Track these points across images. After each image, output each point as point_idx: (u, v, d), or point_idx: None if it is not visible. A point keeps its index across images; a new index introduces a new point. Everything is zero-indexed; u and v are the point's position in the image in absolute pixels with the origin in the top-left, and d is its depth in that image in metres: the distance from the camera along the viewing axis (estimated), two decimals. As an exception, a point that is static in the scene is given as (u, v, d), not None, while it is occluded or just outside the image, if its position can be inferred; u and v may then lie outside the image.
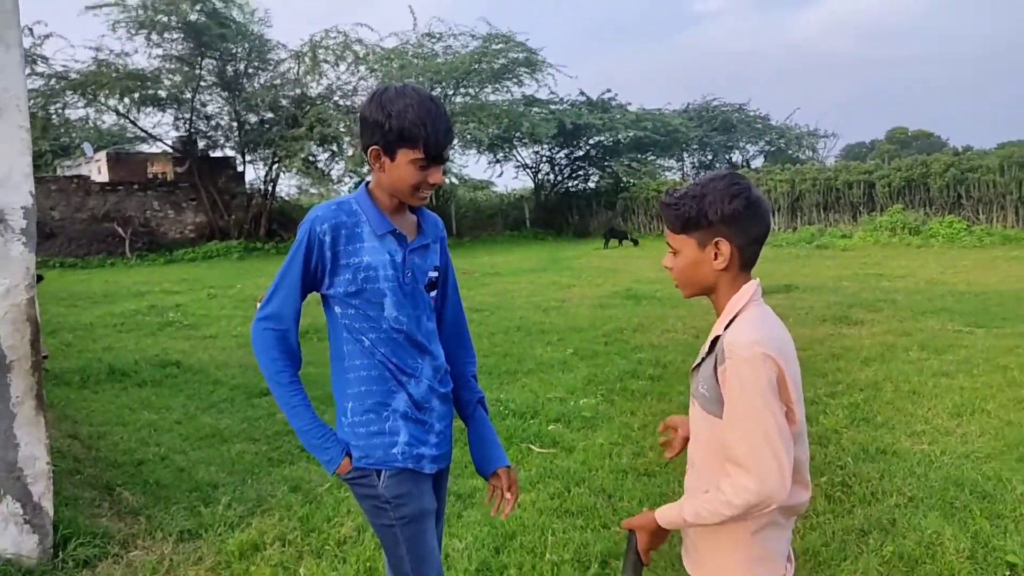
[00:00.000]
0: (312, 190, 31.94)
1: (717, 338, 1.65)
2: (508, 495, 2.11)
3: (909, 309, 9.14)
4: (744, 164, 32.72)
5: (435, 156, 1.90)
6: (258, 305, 2.02)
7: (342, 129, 22.78)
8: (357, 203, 1.98)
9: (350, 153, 23.58)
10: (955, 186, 19.22)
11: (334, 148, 24.30)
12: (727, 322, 1.64)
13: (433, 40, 25.66)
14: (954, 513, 3.56)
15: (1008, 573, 3.02)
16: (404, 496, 1.97)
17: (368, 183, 2.02)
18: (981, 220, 18.92)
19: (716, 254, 1.65)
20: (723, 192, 1.63)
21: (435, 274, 2.08)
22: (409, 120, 1.84)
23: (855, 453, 4.40)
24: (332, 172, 25.63)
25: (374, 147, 1.90)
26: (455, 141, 26.29)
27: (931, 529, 3.36)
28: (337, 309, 1.99)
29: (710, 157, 33.34)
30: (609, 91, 28.82)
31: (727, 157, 33.38)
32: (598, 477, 4.19)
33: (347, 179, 26.19)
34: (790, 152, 33.09)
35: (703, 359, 1.71)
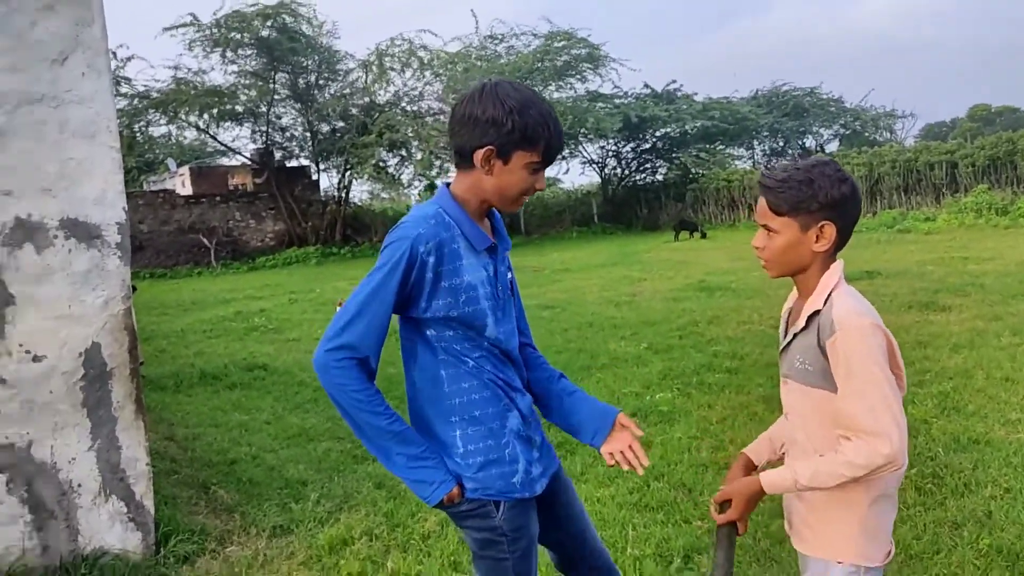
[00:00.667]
0: (384, 195, 32.64)
1: (815, 313, 1.69)
2: (635, 444, 1.99)
3: (999, 293, 8.71)
4: (819, 148, 31.74)
5: (550, 160, 1.80)
6: (329, 333, 1.75)
7: (410, 134, 23.14)
8: (448, 213, 1.79)
9: (419, 157, 23.93)
10: (1047, 161, 18.22)
11: (403, 153, 24.72)
12: (823, 298, 1.68)
13: (495, 41, 25.81)
14: (1057, 505, 3.39)
15: (1117, 567, 2.86)
16: (522, 528, 1.86)
17: (448, 185, 1.85)
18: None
19: (818, 236, 1.69)
20: (831, 178, 1.67)
21: (511, 276, 2.00)
22: (532, 119, 1.71)
23: (946, 443, 4.23)
24: (402, 176, 26.06)
25: (487, 147, 1.72)
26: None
27: (1032, 521, 3.21)
28: (430, 332, 1.81)
29: (782, 143, 32.45)
30: (674, 82, 28.41)
31: (800, 142, 32.43)
32: (677, 471, 4.15)
33: (416, 182, 26.61)
34: (866, 134, 31.95)
35: (795, 336, 1.75)
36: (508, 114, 1.69)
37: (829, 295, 1.67)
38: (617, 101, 27.22)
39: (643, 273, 14.13)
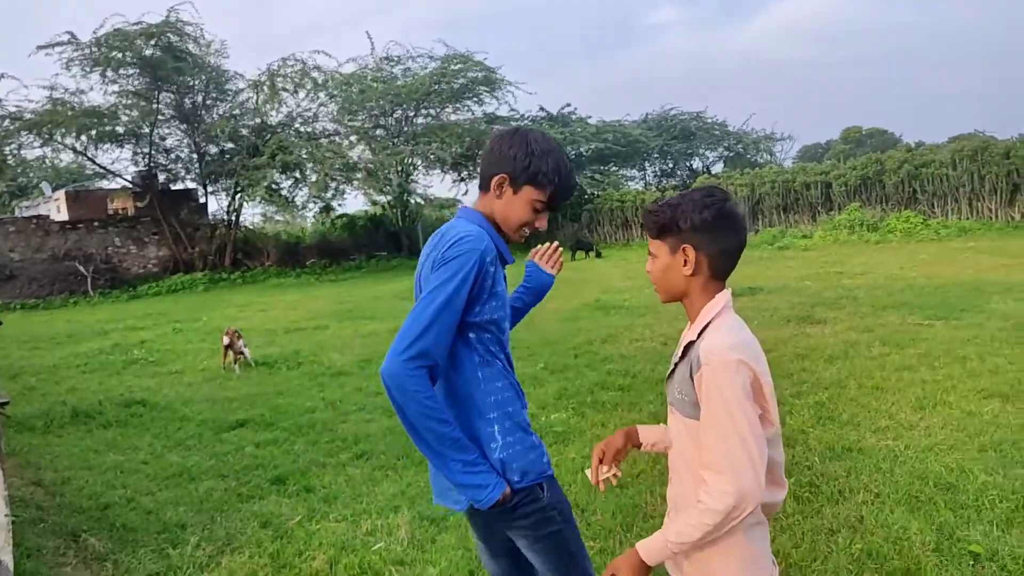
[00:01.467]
0: (278, 217, 31.76)
1: (690, 344, 1.70)
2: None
3: (870, 305, 9.29)
4: (705, 170, 33.11)
5: (553, 206, 2.03)
6: (404, 343, 1.79)
7: (304, 156, 22.69)
8: (487, 232, 1.98)
9: (313, 179, 23.48)
10: (910, 181, 19.63)
11: (296, 175, 24.18)
12: (700, 329, 1.69)
13: (392, 63, 25.73)
14: (919, 507, 3.60)
15: (972, 563, 3.06)
16: (562, 499, 2.05)
17: (470, 208, 2.06)
18: (936, 214, 19.33)
19: (685, 261, 1.71)
20: (696, 203, 1.70)
21: None
22: (548, 165, 1.96)
23: (822, 452, 4.44)
24: (296, 198, 25.48)
25: (503, 175, 1.97)
26: (421, 163, 26.38)
27: (898, 524, 3.40)
28: (472, 334, 1.92)
29: (671, 165, 33.74)
30: (568, 105, 29.17)
31: (688, 164, 33.78)
32: (571, 492, 4.17)
33: (311, 204, 26.08)
34: (748, 156, 33.61)
35: (676, 365, 1.76)
36: (529, 154, 1.94)
37: (706, 326, 1.68)
38: (514, 123, 27.59)
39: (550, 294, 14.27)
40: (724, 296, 1.71)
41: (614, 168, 32.22)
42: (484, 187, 2.02)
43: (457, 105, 26.73)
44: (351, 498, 4.36)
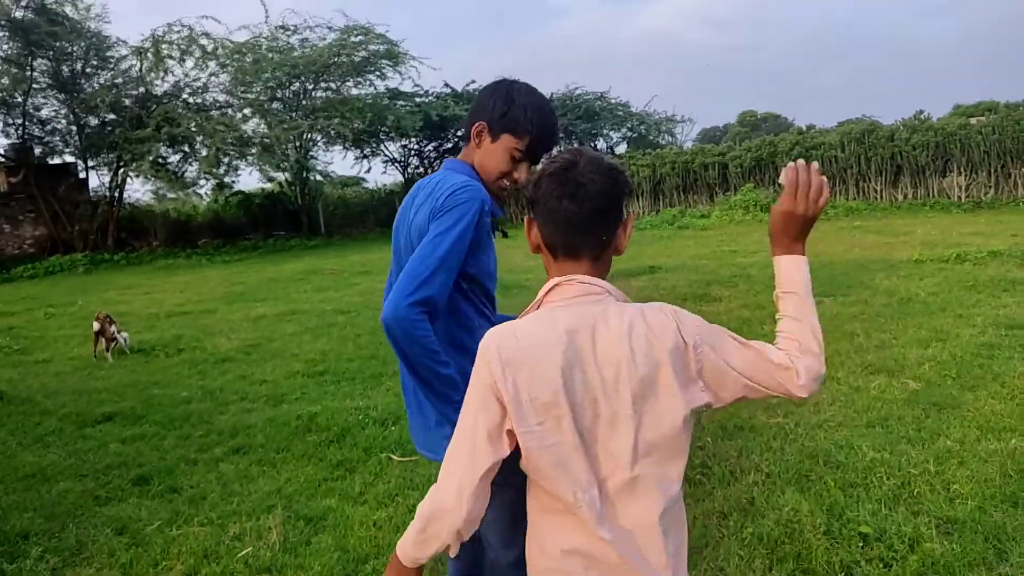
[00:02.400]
0: (171, 195, 30.12)
1: None
2: None
3: (762, 283, 9.44)
4: (609, 150, 33.44)
5: (532, 155, 2.00)
6: (408, 288, 1.77)
7: (193, 128, 21.47)
8: (476, 182, 1.95)
9: (204, 154, 22.29)
10: (800, 163, 20.30)
11: (185, 149, 22.90)
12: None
13: (288, 33, 24.60)
14: (809, 486, 3.56)
15: (861, 544, 3.02)
16: None
17: (456, 160, 2.04)
18: (825, 194, 20.08)
19: (529, 235, 1.50)
20: (535, 176, 1.49)
21: None
22: (527, 113, 1.95)
23: (714, 431, 4.38)
24: (185, 174, 24.16)
25: (481, 123, 1.98)
26: (321, 139, 25.46)
27: (788, 506, 3.34)
28: (466, 285, 1.95)
29: (576, 145, 33.84)
30: (474, 82, 28.55)
31: (592, 144, 33.99)
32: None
33: (203, 181, 24.82)
34: (651, 138, 34.08)
35: None
36: (508, 102, 1.94)
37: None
38: (418, 100, 27.00)
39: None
40: (551, 283, 1.44)
41: (520, 147, 32.10)
42: (467, 137, 2.04)
43: (358, 79, 25.87)
44: (221, 498, 4.00)
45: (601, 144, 34.45)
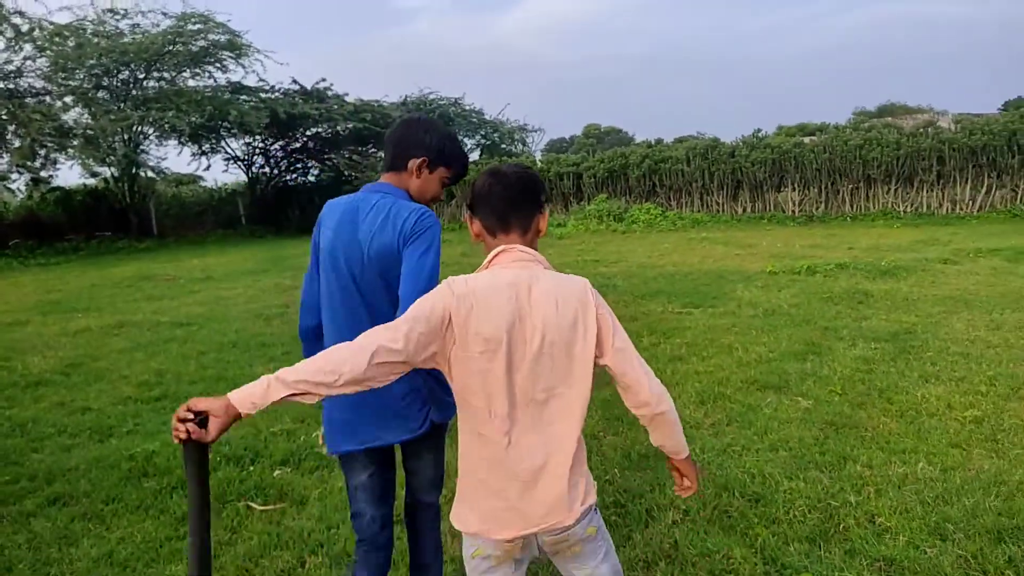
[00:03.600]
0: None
1: None
2: None
3: (630, 293, 9.38)
4: (462, 156, 33.16)
5: (454, 182, 2.40)
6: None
7: (4, 116, 18.99)
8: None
9: (17, 145, 19.78)
10: (650, 175, 20.87)
11: (-7, 138, 20.26)
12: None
13: (116, 17, 22.42)
14: (733, 525, 3.26)
15: (805, 594, 2.73)
16: None
17: (391, 185, 2.30)
18: (673, 206, 20.75)
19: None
20: (476, 179, 1.91)
21: None
22: (455, 149, 2.35)
23: (619, 462, 4.03)
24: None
25: (424, 158, 2.27)
26: (154, 133, 23.39)
27: (719, 551, 3.01)
28: None
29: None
30: (324, 80, 27.38)
31: (446, 150, 33.58)
32: (340, 537, 3.34)
33: (15, 175, 22.06)
34: (504, 146, 34.15)
35: None
36: (441, 139, 2.31)
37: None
38: (263, 95, 25.44)
39: (297, 281, 13.01)
40: (492, 255, 1.81)
41: (373, 150, 31.10)
42: (400, 167, 2.29)
43: (196, 70, 24.04)
44: (32, 569, 3.16)
45: (455, 150, 34.12)
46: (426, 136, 2.28)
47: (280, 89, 26.46)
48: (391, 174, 2.30)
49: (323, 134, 27.90)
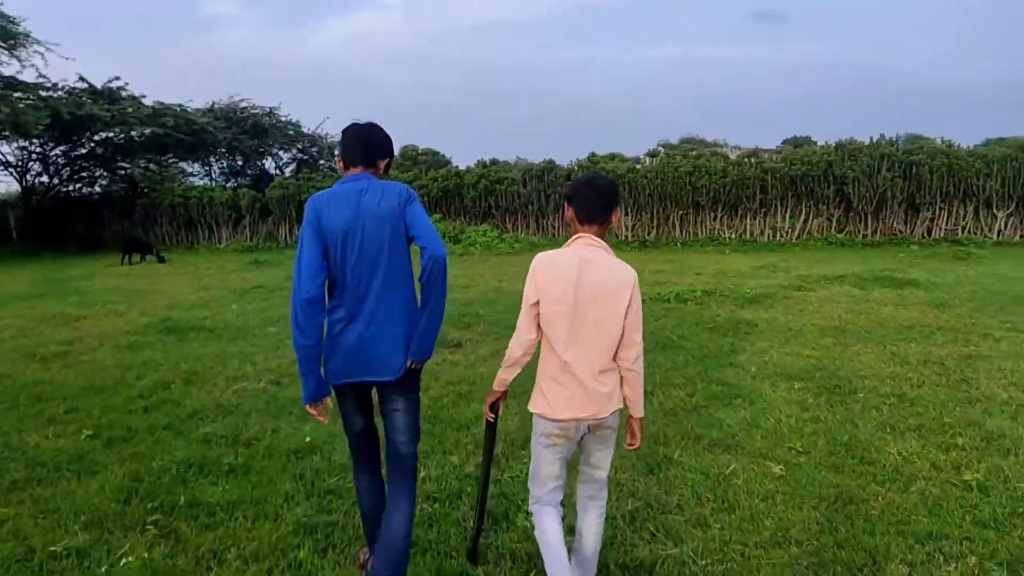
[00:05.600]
0: None
1: None
2: None
3: (499, 324, 8.29)
4: (278, 171, 30.66)
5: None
6: (438, 238, 2.70)
7: None
8: None
9: None
10: (485, 196, 20.05)
11: None
12: None
13: None
14: None
15: None
16: None
17: (369, 174, 2.82)
18: (509, 228, 20.06)
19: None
20: (573, 183, 2.69)
21: None
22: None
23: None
24: None
25: (388, 160, 2.91)
26: None
27: None
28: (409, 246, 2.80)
29: (241, 162, 30.48)
30: (118, 79, 23.99)
31: (259, 163, 30.92)
32: None
33: None
34: (322, 161, 32.06)
35: None
36: (391, 145, 2.94)
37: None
38: (43, 93, 21.76)
39: (82, 308, 10.62)
40: (575, 236, 2.58)
41: (174, 159, 27.86)
42: (371, 164, 2.83)
43: (-45, 59, 20.08)
44: None
45: (269, 163, 31.53)
46: (389, 143, 2.90)
47: (64, 87, 22.84)
48: (363, 167, 2.82)
49: (115, 139, 24.48)
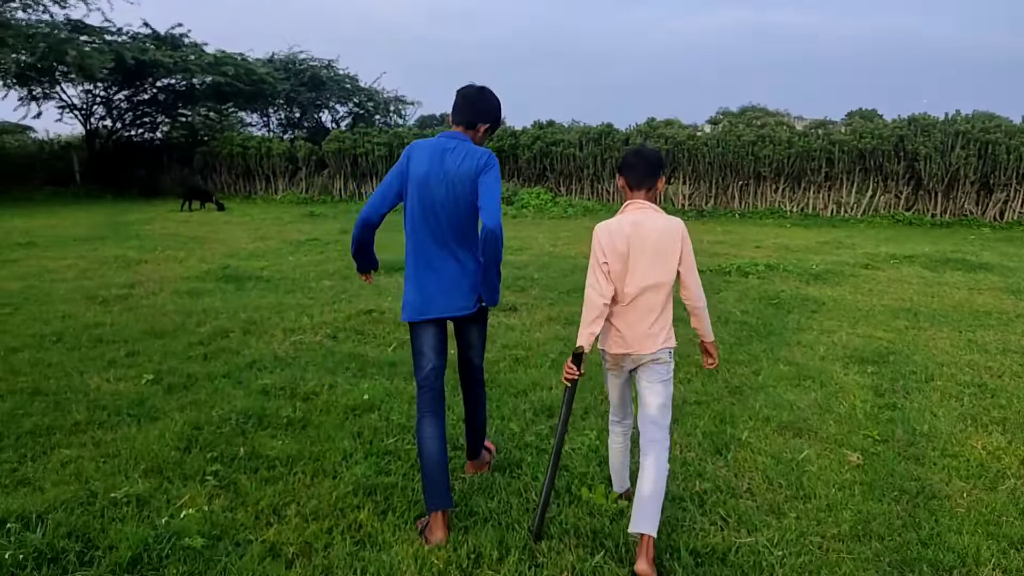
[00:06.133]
0: None
1: None
2: None
3: (552, 289, 8.13)
4: (335, 123, 30.70)
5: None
6: (499, 212, 2.93)
7: None
8: None
9: None
10: (541, 158, 19.76)
11: None
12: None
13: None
14: None
15: None
16: None
17: (464, 135, 3.05)
18: (563, 192, 19.77)
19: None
20: (624, 151, 3.60)
21: None
22: (500, 121, 3.29)
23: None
24: None
25: (488, 126, 3.10)
26: None
27: None
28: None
29: (298, 114, 30.60)
30: (180, 25, 24.15)
31: (317, 116, 31.00)
32: None
33: None
34: (377, 117, 31.98)
35: None
36: (499, 112, 3.16)
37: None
38: (108, 37, 22.04)
39: (143, 253, 10.80)
40: (628, 202, 2.91)
41: (233, 109, 28.09)
42: (472, 126, 3.05)
43: (27, 2, 20.37)
44: None
45: (326, 117, 31.59)
46: (494, 110, 3.11)
47: (128, 32, 23.09)
48: (463, 128, 3.06)
49: (177, 86, 24.76)
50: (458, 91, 3.09)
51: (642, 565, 2.60)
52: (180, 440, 3.82)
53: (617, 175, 3.00)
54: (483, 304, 3.12)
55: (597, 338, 2.86)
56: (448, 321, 3.14)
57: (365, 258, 3.25)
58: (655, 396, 2.86)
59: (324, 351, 5.59)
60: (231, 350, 5.62)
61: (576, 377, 2.80)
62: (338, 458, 3.64)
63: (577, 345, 2.78)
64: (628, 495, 3.14)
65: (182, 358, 5.38)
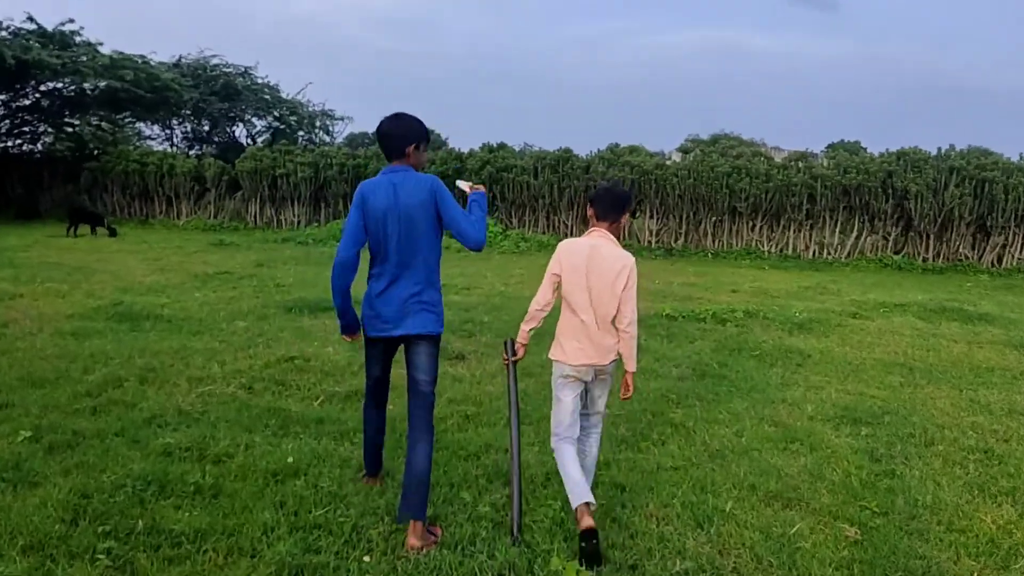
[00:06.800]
0: None
1: None
2: None
3: (506, 335, 8.11)
4: (251, 140, 30.47)
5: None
6: (482, 228, 3.81)
7: None
8: None
9: None
10: (491, 185, 19.86)
11: None
12: None
13: None
14: None
15: None
16: None
17: (403, 166, 3.72)
18: (515, 224, 19.91)
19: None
20: (597, 187, 5.18)
21: None
22: (425, 128, 3.87)
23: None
24: None
25: (414, 144, 3.71)
26: None
27: None
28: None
29: (207, 127, 30.33)
30: (72, 21, 23.79)
31: (230, 130, 30.76)
32: None
33: None
34: (301, 132, 31.88)
35: None
36: (417, 124, 3.78)
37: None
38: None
39: (18, 285, 10.46)
40: (593, 229, 3.83)
41: (130, 119, 27.67)
42: (401, 154, 3.70)
43: None
44: None
45: (241, 131, 31.34)
46: (416, 128, 3.75)
47: (9, 27, 22.66)
48: (397, 160, 3.72)
49: (65, 91, 24.36)
50: (376, 131, 3.77)
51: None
52: (65, 510, 3.67)
53: (588, 207, 3.90)
54: (432, 331, 3.74)
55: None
56: (399, 344, 3.80)
57: (351, 310, 3.77)
58: (603, 398, 3.93)
59: (238, 404, 5.46)
60: (125, 403, 5.45)
61: (510, 362, 3.88)
62: (257, 533, 3.54)
63: (518, 340, 3.87)
64: (591, 511, 3.46)
65: (66, 412, 5.19)
